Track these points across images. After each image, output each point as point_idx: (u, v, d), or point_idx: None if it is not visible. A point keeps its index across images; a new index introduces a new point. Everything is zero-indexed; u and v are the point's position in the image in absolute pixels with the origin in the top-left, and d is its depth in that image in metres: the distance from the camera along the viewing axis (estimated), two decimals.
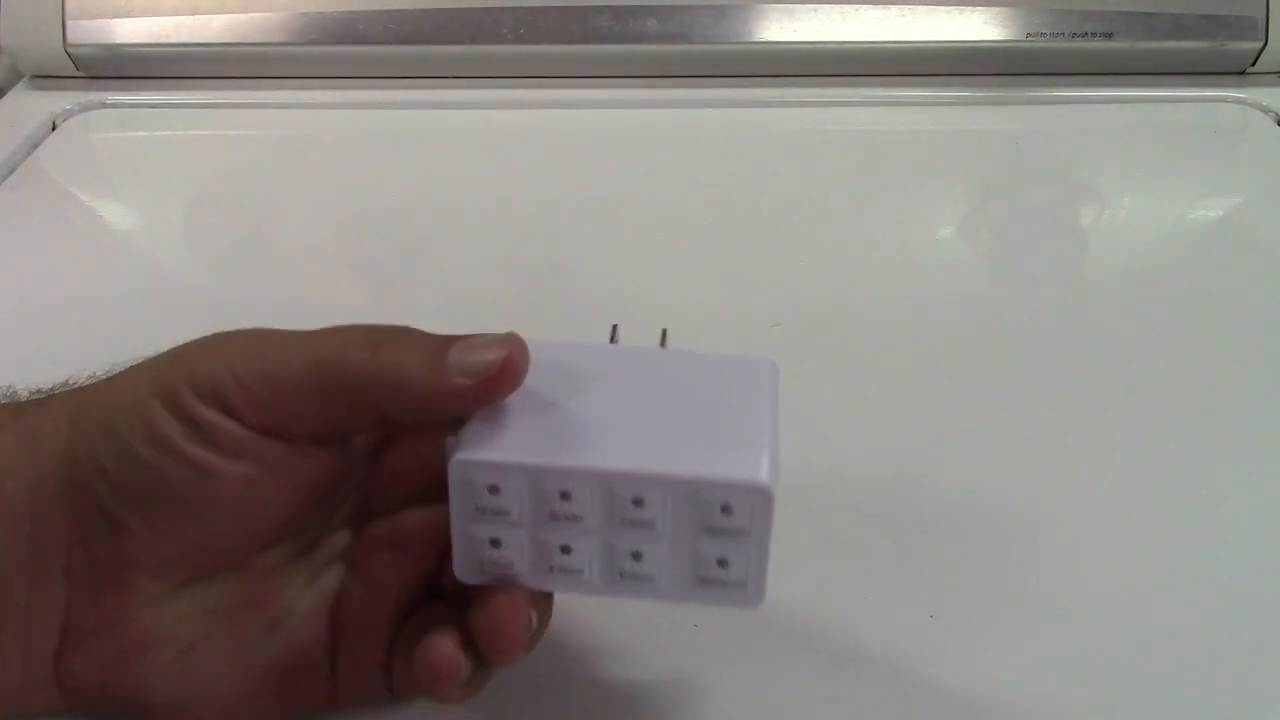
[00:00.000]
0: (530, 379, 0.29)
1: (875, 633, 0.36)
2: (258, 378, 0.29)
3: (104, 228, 0.61)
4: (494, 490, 0.29)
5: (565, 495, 0.29)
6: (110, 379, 0.31)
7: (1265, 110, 0.68)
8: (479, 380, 0.29)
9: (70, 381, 0.33)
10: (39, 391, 0.33)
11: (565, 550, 0.29)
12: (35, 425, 0.30)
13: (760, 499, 0.28)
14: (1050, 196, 0.62)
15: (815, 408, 0.45)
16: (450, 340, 0.29)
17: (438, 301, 0.52)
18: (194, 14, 0.68)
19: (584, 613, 0.36)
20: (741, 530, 0.28)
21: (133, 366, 0.31)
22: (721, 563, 0.29)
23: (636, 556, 0.29)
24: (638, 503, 0.28)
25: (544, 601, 0.31)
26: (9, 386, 0.33)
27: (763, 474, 0.28)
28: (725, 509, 0.28)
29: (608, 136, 0.67)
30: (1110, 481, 0.42)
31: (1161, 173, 0.64)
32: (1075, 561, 0.38)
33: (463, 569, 0.30)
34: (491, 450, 0.29)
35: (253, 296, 0.53)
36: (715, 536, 0.29)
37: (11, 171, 0.63)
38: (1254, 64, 0.70)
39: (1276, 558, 0.39)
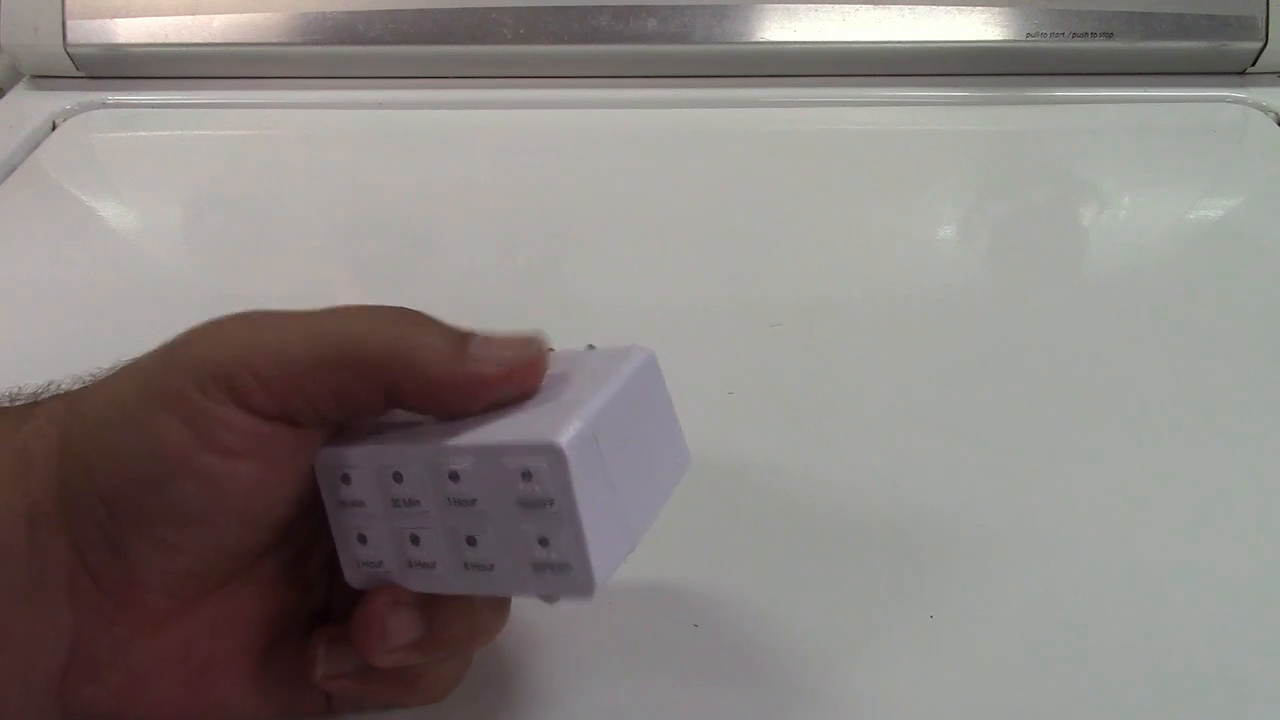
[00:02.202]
0: None
1: (875, 633, 0.36)
2: (269, 359, 0.28)
3: (104, 228, 0.61)
4: (346, 480, 0.29)
5: (398, 477, 0.29)
6: (100, 384, 0.29)
7: (1265, 110, 0.68)
8: (502, 370, 0.28)
9: (54, 385, 0.32)
10: (17, 398, 0.31)
11: (415, 541, 0.29)
12: (24, 445, 0.29)
13: (553, 459, 0.27)
14: (1050, 196, 0.62)
15: (815, 408, 0.46)
16: (471, 332, 0.29)
17: (438, 301, 0.51)
18: (194, 14, 0.68)
19: (583, 613, 0.36)
20: (546, 499, 0.27)
21: (122, 369, 0.29)
22: (543, 542, 0.28)
23: (472, 542, 0.29)
24: (454, 477, 0.28)
25: (435, 607, 0.30)
26: (17, 388, 0.33)
27: (558, 435, 0.27)
28: (525, 475, 0.27)
29: (608, 136, 0.67)
30: (1110, 481, 0.42)
31: (1161, 173, 0.64)
32: (1075, 561, 0.38)
33: (349, 573, 0.31)
34: (342, 440, 0.29)
35: (253, 296, 0.52)
36: (528, 511, 0.28)
37: (11, 171, 0.63)
38: (1254, 64, 0.70)
39: (1277, 558, 0.39)
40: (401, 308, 0.30)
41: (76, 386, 0.31)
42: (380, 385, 0.28)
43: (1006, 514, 0.40)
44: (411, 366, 0.28)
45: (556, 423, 0.27)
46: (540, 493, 0.27)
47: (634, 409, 0.29)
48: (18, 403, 0.31)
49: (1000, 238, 0.59)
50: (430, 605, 0.30)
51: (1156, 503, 0.41)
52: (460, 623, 0.30)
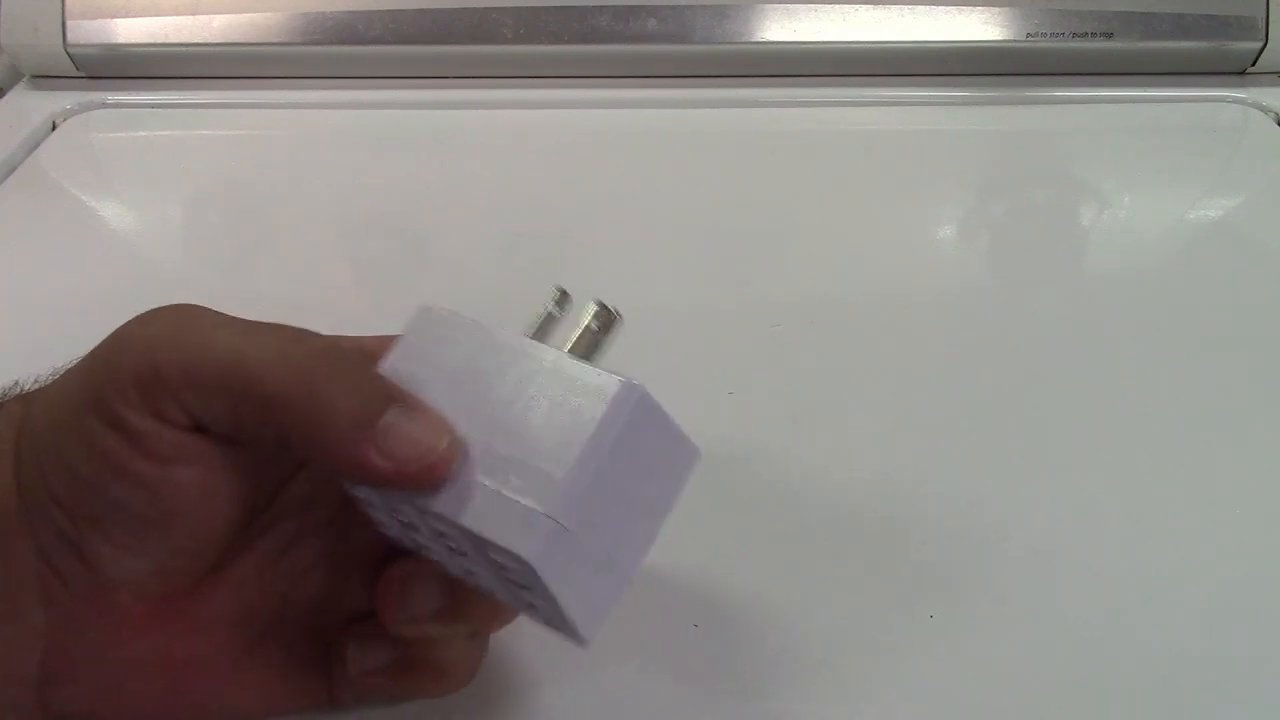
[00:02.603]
0: (399, 363, 0.29)
1: (875, 633, 0.36)
2: (177, 370, 0.26)
3: (104, 228, 0.61)
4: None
5: (394, 509, 0.28)
6: (49, 385, 0.29)
7: (1265, 110, 0.68)
8: (395, 468, 0.26)
9: (17, 385, 0.31)
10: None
11: (414, 529, 0.29)
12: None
13: (524, 564, 0.26)
14: (1050, 196, 0.62)
15: (815, 408, 0.45)
16: (391, 400, 0.27)
17: (438, 301, 0.52)
18: (194, 14, 0.68)
19: None
20: (525, 584, 0.27)
21: (67, 370, 0.28)
22: (531, 606, 0.28)
23: (469, 574, 0.29)
24: (441, 534, 0.28)
25: (458, 580, 0.29)
26: (15, 383, 0.33)
27: (526, 547, 0.25)
28: (502, 566, 0.27)
29: (608, 136, 0.67)
30: (1110, 481, 0.42)
31: (1161, 173, 0.64)
32: (1075, 561, 0.38)
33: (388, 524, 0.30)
34: None
35: (253, 296, 0.52)
36: (513, 583, 0.27)
37: (11, 171, 0.63)
38: (1254, 64, 0.70)
39: (1277, 558, 0.39)
40: (328, 347, 0.27)
41: (34, 388, 0.30)
42: (271, 428, 0.26)
43: (1007, 514, 0.40)
44: (305, 424, 0.26)
45: (525, 521, 0.26)
46: (520, 578, 0.27)
47: (620, 463, 0.27)
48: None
49: (1000, 238, 0.59)
50: (453, 578, 0.30)
51: (1157, 503, 0.41)
52: (481, 600, 0.30)
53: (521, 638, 0.35)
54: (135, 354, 0.27)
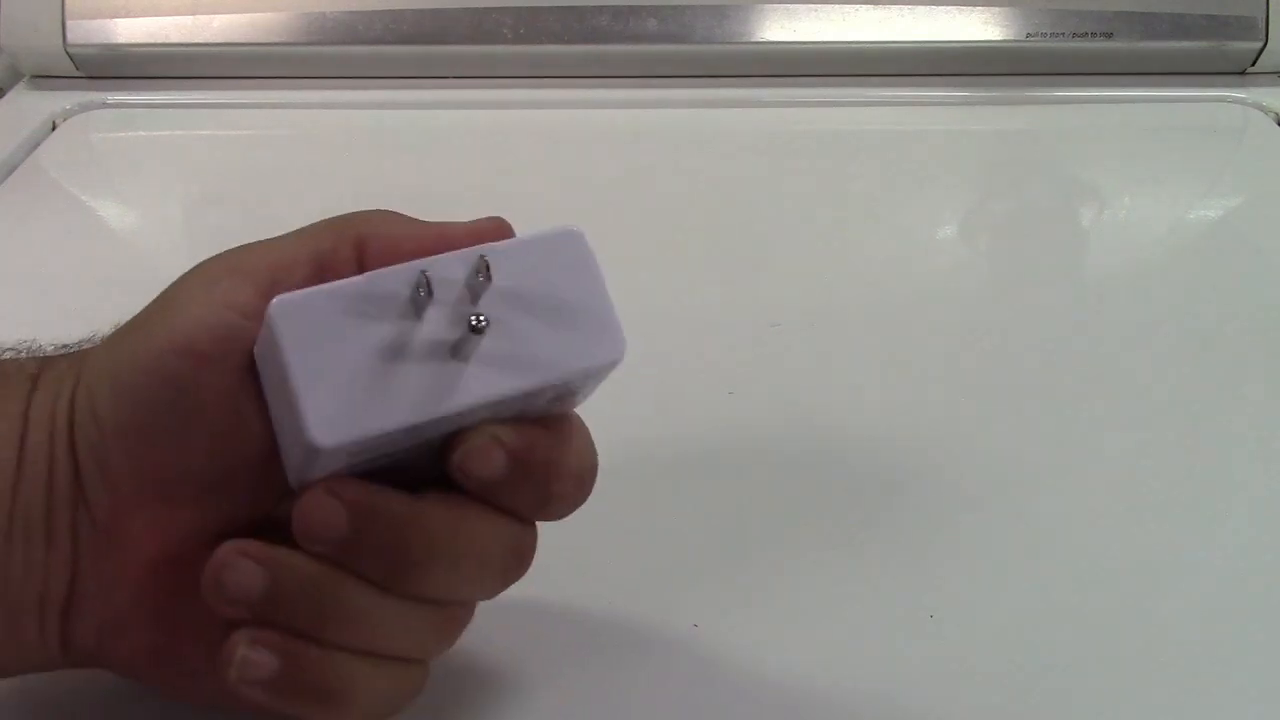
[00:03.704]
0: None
1: (875, 632, 0.36)
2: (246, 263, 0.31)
3: (104, 228, 0.61)
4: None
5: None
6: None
7: (1265, 110, 0.68)
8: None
9: (96, 335, 0.33)
10: (68, 346, 0.33)
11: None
12: (58, 379, 0.30)
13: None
14: (1050, 196, 0.62)
15: (815, 408, 0.45)
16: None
17: None
18: (194, 14, 0.68)
19: (584, 612, 0.36)
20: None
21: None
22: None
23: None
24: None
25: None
26: (33, 340, 0.34)
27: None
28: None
29: (608, 136, 0.67)
30: (1111, 481, 0.42)
31: (1161, 173, 0.64)
32: (1076, 561, 0.38)
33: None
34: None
35: None
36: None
37: (11, 171, 0.63)
38: (1254, 64, 0.70)
39: (1277, 557, 0.39)
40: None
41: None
42: (352, 240, 0.31)
43: (1007, 514, 0.40)
44: (385, 223, 0.31)
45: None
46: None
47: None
48: (59, 350, 0.33)
49: (1000, 238, 0.59)
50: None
51: (1157, 503, 0.41)
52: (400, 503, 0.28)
53: (521, 638, 0.35)
54: (207, 263, 0.30)
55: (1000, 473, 0.42)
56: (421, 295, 0.27)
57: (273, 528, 0.29)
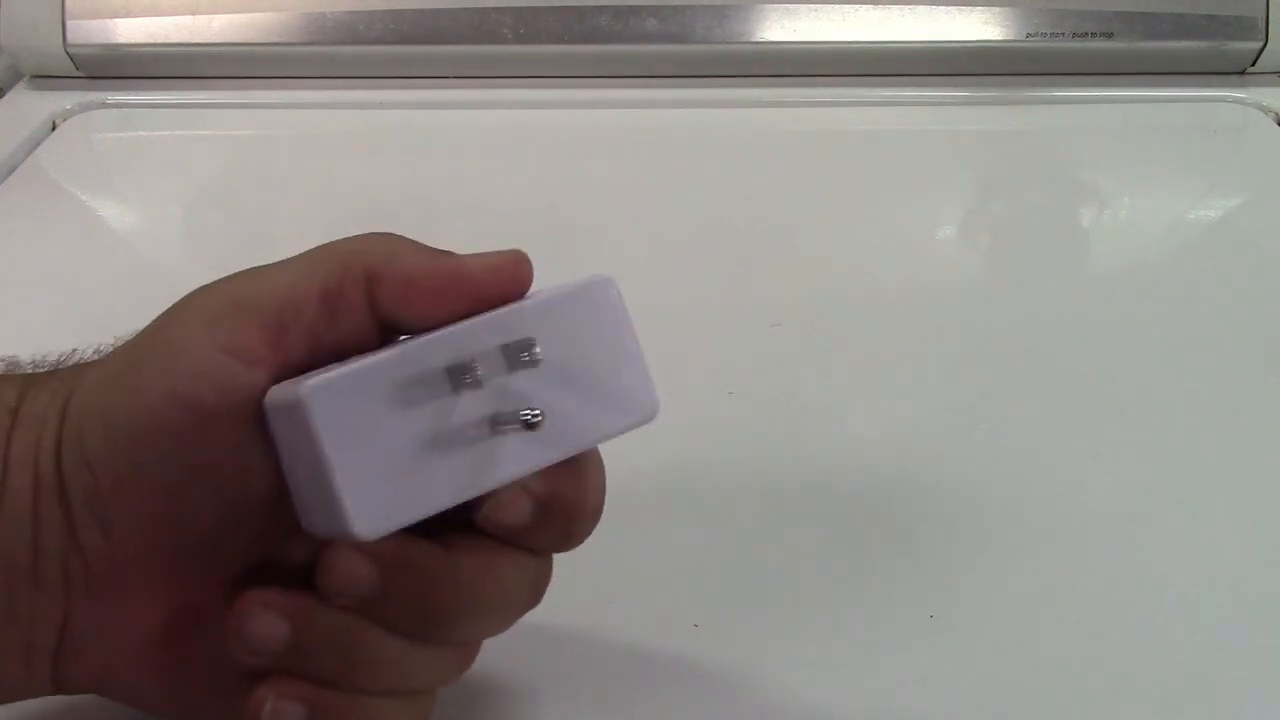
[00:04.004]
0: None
1: (875, 633, 0.36)
2: (268, 287, 0.29)
3: (104, 228, 0.61)
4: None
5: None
6: (110, 353, 0.29)
7: (1265, 110, 0.68)
8: (486, 266, 0.29)
9: (76, 353, 0.32)
10: (40, 366, 0.31)
11: None
12: (40, 415, 0.28)
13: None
14: (1050, 196, 0.62)
15: (814, 407, 0.45)
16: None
17: None
18: (194, 14, 0.68)
19: (584, 612, 0.36)
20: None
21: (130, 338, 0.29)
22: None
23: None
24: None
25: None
26: (13, 356, 0.33)
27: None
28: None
29: (608, 136, 0.67)
30: (1110, 481, 0.42)
31: (1161, 173, 0.64)
32: (1075, 561, 0.38)
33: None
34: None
35: None
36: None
37: (11, 171, 0.63)
38: (1254, 64, 0.70)
39: (1277, 557, 0.39)
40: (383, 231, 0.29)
41: (93, 357, 0.30)
42: (361, 279, 0.28)
43: (1007, 513, 0.40)
44: (395, 259, 0.28)
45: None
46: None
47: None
48: (40, 370, 0.31)
49: (1000, 238, 0.59)
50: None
51: (1157, 502, 0.41)
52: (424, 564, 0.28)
53: (521, 638, 0.35)
54: (207, 294, 0.28)
55: (1000, 472, 0.42)
56: (465, 380, 0.26)
57: (278, 564, 0.29)
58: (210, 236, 0.60)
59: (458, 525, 0.28)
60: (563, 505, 0.28)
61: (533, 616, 0.35)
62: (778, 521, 0.40)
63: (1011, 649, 0.35)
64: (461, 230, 0.58)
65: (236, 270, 0.30)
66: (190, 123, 0.70)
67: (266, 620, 0.27)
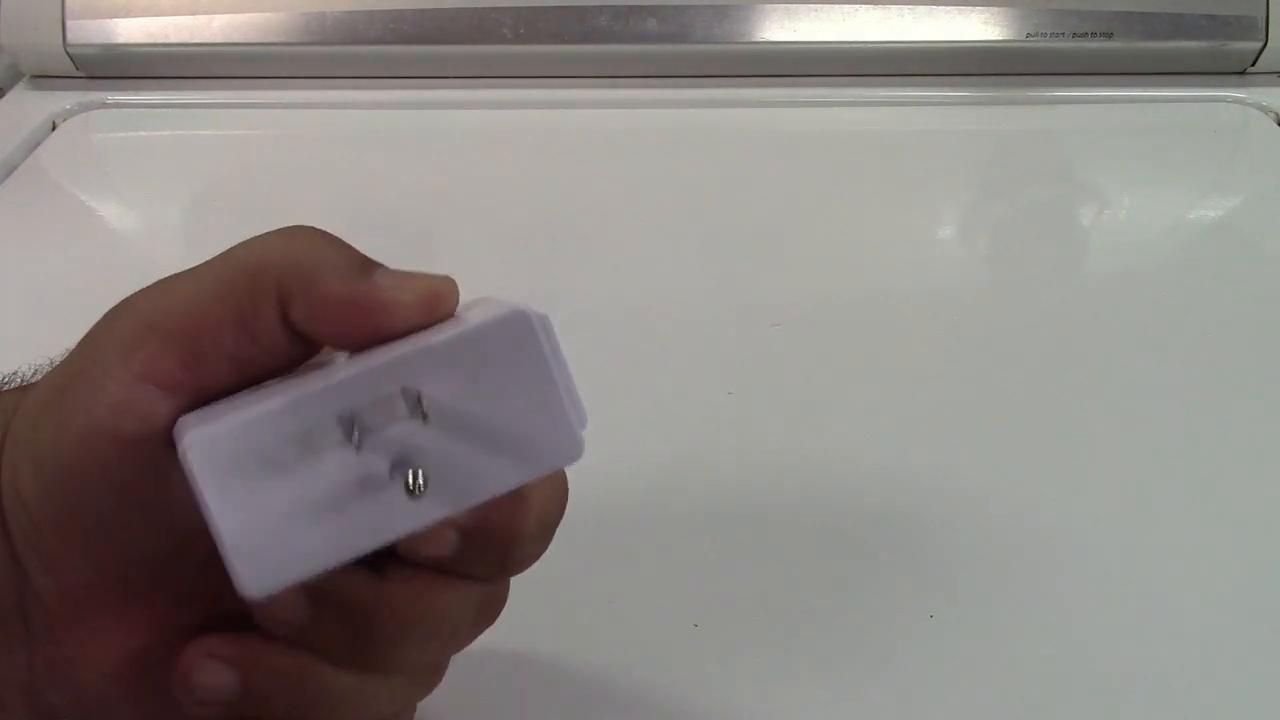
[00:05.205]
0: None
1: (875, 633, 0.36)
2: (176, 309, 0.27)
3: (104, 228, 0.61)
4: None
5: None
6: (41, 379, 0.28)
7: (1265, 110, 0.68)
8: (404, 297, 0.27)
9: (16, 375, 0.31)
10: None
11: None
12: None
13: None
14: (1050, 196, 0.62)
15: (814, 408, 0.45)
16: (377, 263, 0.27)
17: None
18: (194, 14, 0.68)
19: (585, 612, 0.36)
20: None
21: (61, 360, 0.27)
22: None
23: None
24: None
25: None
26: (15, 373, 0.32)
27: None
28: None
29: (608, 136, 0.67)
30: (1110, 481, 0.42)
31: (1161, 173, 0.64)
32: (1075, 561, 0.38)
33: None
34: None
35: None
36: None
37: (11, 171, 0.63)
38: (1254, 64, 0.70)
39: (1277, 557, 0.39)
40: (302, 226, 0.27)
41: (35, 378, 0.29)
42: (273, 298, 0.26)
43: (1007, 514, 0.40)
44: (307, 279, 0.26)
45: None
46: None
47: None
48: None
49: (1000, 238, 0.59)
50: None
51: (1156, 503, 0.41)
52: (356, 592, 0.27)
53: (520, 638, 0.35)
54: (123, 316, 0.27)
55: (1001, 472, 0.42)
56: (354, 432, 0.25)
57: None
58: (210, 237, 0.60)
59: (399, 557, 0.27)
60: (495, 534, 0.27)
61: (532, 616, 0.35)
62: (778, 521, 0.40)
63: (1011, 649, 0.35)
64: (461, 230, 0.58)
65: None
66: (190, 123, 0.70)
67: (212, 671, 0.27)
